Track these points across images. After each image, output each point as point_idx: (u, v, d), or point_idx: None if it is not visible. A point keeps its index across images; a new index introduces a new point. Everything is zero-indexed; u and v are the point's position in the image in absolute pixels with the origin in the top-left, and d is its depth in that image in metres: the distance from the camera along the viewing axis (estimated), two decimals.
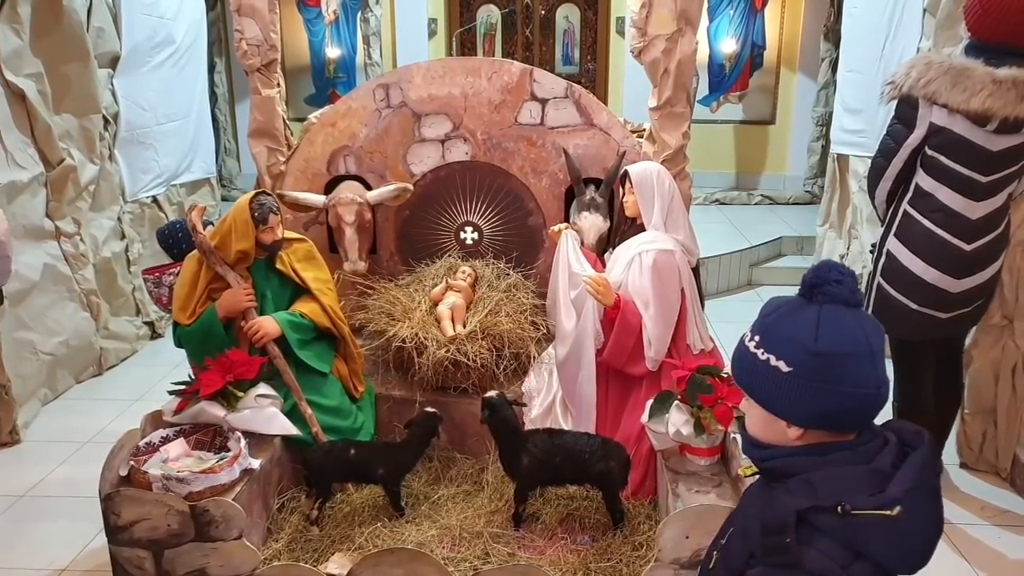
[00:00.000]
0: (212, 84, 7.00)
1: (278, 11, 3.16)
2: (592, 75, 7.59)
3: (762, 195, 7.13)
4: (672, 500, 2.22)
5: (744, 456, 1.25)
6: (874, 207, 2.78)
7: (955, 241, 2.51)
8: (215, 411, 2.45)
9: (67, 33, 3.74)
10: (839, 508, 1.03)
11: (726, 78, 7.24)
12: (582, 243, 2.86)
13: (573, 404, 2.74)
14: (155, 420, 2.50)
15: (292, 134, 3.39)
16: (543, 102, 3.11)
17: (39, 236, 3.70)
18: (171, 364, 4.00)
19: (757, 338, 1.14)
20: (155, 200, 4.73)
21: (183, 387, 2.52)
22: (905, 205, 2.60)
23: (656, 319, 2.58)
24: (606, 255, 2.93)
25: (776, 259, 5.75)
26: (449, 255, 3.27)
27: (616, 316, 2.58)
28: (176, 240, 3.08)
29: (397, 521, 2.49)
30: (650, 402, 2.43)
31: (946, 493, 2.93)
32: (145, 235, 4.57)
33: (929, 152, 2.49)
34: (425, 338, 2.78)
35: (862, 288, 2.92)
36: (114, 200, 4.29)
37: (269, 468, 2.46)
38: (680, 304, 2.65)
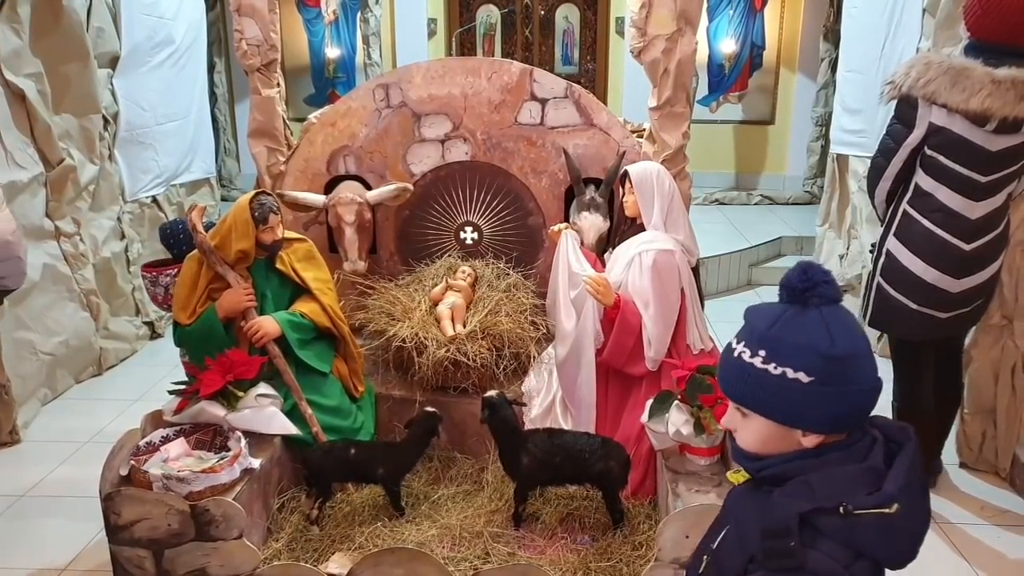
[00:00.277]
0: (212, 84, 7.00)
1: (278, 11, 3.16)
2: (591, 75, 7.59)
3: (761, 195, 7.13)
4: (672, 500, 2.22)
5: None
6: (874, 207, 2.78)
7: (955, 241, 2.51)
8: (215, 411, 2.45)
9: (67, 33, 3.74)
10: (841, 509, 1.03)
11: (725, 78, 7.24)
12: (582, 243, 2.86)
13: (573, 404, 2.74)
14: (155, 420, 2.50)
15: (292, 134, 3.39)
16: (543, 102, 3.12)
17: (39, 236, 3.70)
18: (171, 364, 3.98)
19: (763, 353, 1.09)
20: (155, 200, 4.73)
21: (183, 387, 2.52)
22: (905, 205, 2.60)
23: (656, 319, 2.58)
24: (606, 255, 2.93)
25: (776, 259, 5.75)
26: (449, 255, 3.27)
27: (616, 316, 2.58)
28: (176, 241, 3.08)
29: (397, 521, 2.49)
30: (650, 402, 2.44)
31: (946, 493, 2.95)
32: (145, 235, 4.57)
33: (928, 152, 2.49)
34: (425, 338, 2.78)
35: (862, 288, 2.92)
36: (114, 200, 4.29)
37: (269, 468, 2.46)
38: (680, 304, 2.65)
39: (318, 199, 3.10)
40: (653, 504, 2.55)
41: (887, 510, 1.02)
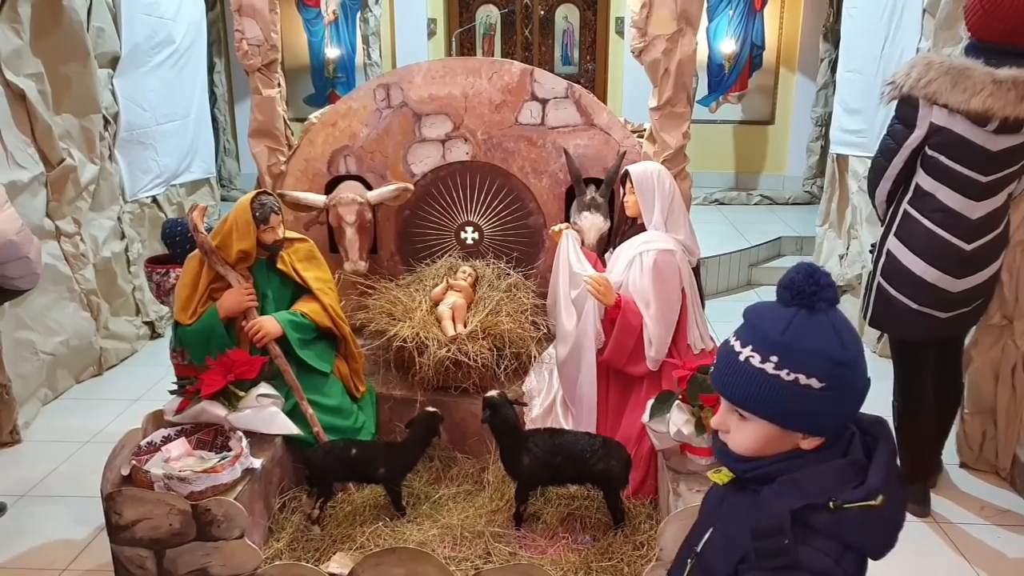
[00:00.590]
0: (212, 84, 6.99)
1: (278, 11, 3.16)
2: (591, 75, 7.59)
3: (761, 195, 7.13)
4: (673, 499, 2.23)
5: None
6: (874, 207, 2.78)
7: (955, 241, 2.51)
8: (216, 411, 2.45)
9: (67, 33, 3.74)
10: (830, 503, 1.05)
11: (725, 78, 7.24)
12: (582, 243, 2.86)
13: (574, 404, 2.74)
14: (156, 420, 2.50)
15: (293, 134, 3.39)
16: (543, 102, 3.12)
17: (39, 236, 3.67)
18: (171, 364, 3.99)
19: (775, 359, 1.07)
20: (155, 200, 4.74)
21: (184, 387, 2.52)
22: (905, 205, 2.60)
23: (657, 319, 2.58)
24: (606, 255, 2.93)
25: (775, 259, 5.76)
26: (450, 255, 3.27)
27: (617, 316, 2.58)
28: (176, 241, 3.07)
29: (398, 520, 2.49)
30: (651, 402, 2.44)
31: (946, 493, 2.95)
32: (145, 235, 4.58)
33: (929, 152, 2.49)
34: (426, 338, 2.78)
35: (862, 288, 2.92)
36: (114, 200, 4.29)
37: (270, 468, 2.46)
38: (681, 304, 2.65)
39: (319, 199, 3.10)
40: (654, 504, 2.55)
41: (873, 503, 1.04)
